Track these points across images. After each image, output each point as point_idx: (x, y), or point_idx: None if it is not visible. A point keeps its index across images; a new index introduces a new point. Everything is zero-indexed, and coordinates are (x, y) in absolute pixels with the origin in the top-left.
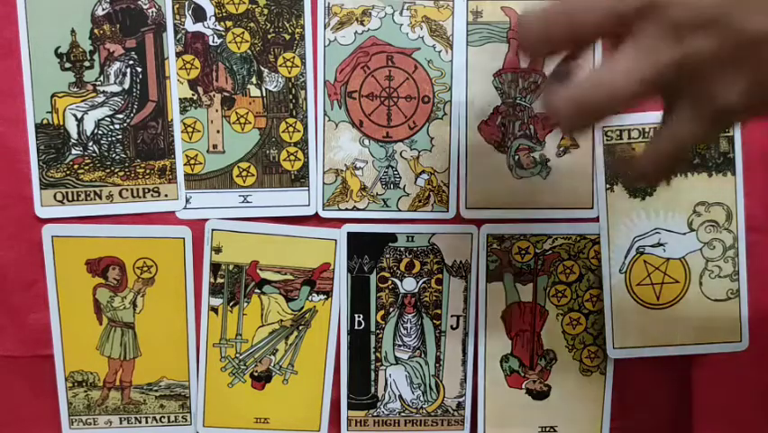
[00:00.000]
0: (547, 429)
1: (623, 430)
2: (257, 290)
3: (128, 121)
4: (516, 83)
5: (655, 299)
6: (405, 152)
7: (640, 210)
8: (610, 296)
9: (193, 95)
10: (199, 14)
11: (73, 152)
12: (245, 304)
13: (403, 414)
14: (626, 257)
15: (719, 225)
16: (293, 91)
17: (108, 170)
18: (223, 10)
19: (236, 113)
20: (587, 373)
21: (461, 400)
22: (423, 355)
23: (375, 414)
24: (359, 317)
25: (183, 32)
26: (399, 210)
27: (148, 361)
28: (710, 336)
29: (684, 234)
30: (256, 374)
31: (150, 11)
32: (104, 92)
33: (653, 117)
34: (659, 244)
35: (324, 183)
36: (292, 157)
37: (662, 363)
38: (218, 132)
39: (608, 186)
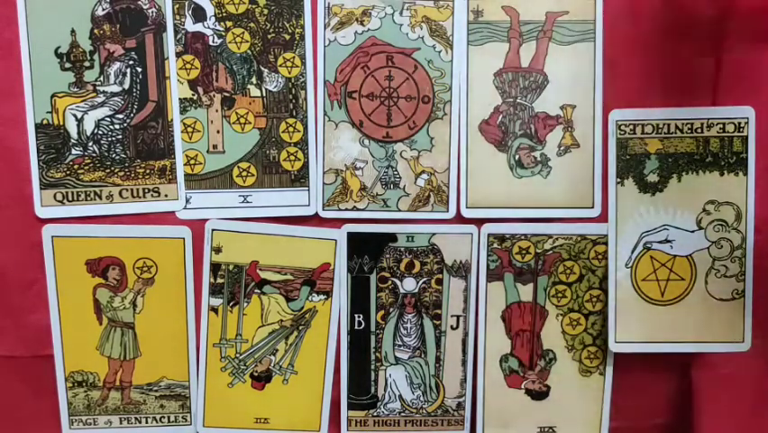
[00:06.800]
0: (546, 430)
1: (622, 430)
2: (257, 290)
3: (128, 121)
4: (516, 82)
5: (660, 295)
6: (405, 152)
7: (649, 206)
8: (615, 289)
9: (193, 95)
10: (199, 14)
11: (73, 152)
12: (245, 304)
13: (403, 414)
14: (632, 252)
15: (728, 225)
16: (293, 91)
17: (108, 170)
18: (223, 10)
19: (236, 113)
20: (586, 374)
21: (461, 400)
22: (423, 355)
23: (375, 414)
24: (359, 317)
25: (183, 32)
26: (399, 210)
27: (148, 361)
28: (713, 336)
29: (692, 231)
30: (256, 374)
31: (150, 11)
32: (104, 92)
33: (666, 113)
34: (666, 241)
35: (324, 183)
36: (292, 157)
37: (662, 364)
38: (218, 132)
39: (618, 180)
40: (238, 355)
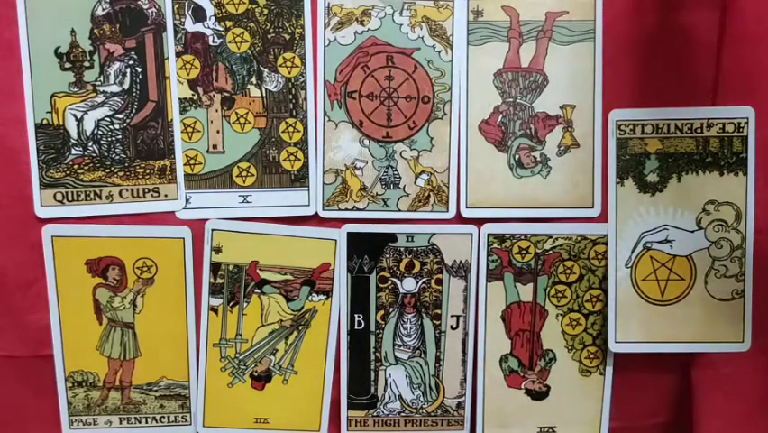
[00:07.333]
0: (546, 430)
1: (622, 430)
2: (257, 290)
3: (128, 121)
4: (516, 82)
5: (660, 295)
6: (405, 152)
7: (649, 206)
8: (615, 289)
9: (193, 95)
10: (199, 14)
11: (73, 151)
12: (245, 304)
13: (403, 414)
14: (632, 252)
15: (728, 225)
16: (293, 91)
17: (108, 170)
18: (223, 10)
19: (236, 113)
20: (586, 374)
21: (460, 400)
22: (423, 355)
23: (375, 414)
24: (359, 317)
25: (183, 32)
26: (399, 210)
27: (148, 361)
28: (713, 336)
29: (692, 231)
30: (256, 374)
31: (150, 11)
32: (104, 92)
33: (666, 113)
34: (666, 241)
35: (324, 183)
36: (292, 157)
37: (662, 364)
38: (218, 132)
39: (618, 180)
40: (238, 355)
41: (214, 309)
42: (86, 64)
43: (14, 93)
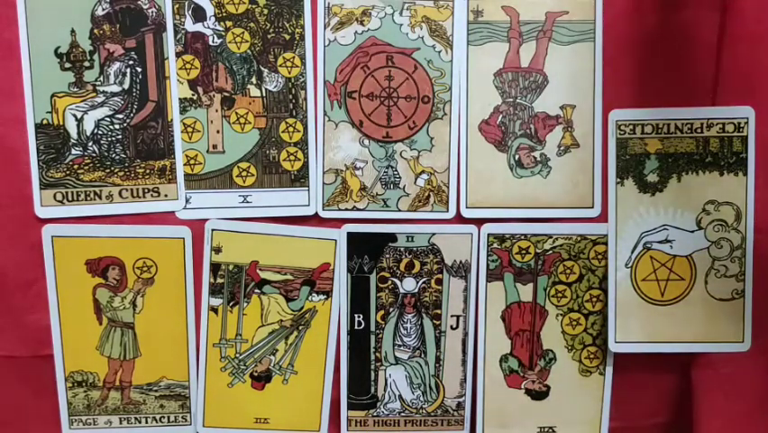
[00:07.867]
0: (546, 430)
1: (622, 430)
2: (257, 290)
3: (128, 121)
4: (516, 82)
5: (660, 295)
6: (405, 152)
7: (649, 206)
8: (615, 289)
9: (193, 95)
10: (199, 14)
11: (73, 151)
12: (245, 304)
13: (403, 414)
14: (632, 252)
15: (728, 225)
16: (293, 91)
17: (108, 170)
18: (223, 10)
19: (236, 113)
20: (586, 374)
21: (460, 400)
22: (423, 355)
23: (375, 414)
24: (359, 317)
25: (183, 32)
26: (399, 210)
27: (148, 361)
28: (713, 336)
29: (692, 231)
30: (256, 374)
31: (150, 11)
32: (104, 92)
33: (666, 113)
34: (666, 241)
35: (324, 183)
36: (292, 157)
37: (662, 364)
38: (218, 132)
39: (618, 180)
40: (238, 355)
41: (214, 309)
42: (86, 64)
43: (14, 93)
